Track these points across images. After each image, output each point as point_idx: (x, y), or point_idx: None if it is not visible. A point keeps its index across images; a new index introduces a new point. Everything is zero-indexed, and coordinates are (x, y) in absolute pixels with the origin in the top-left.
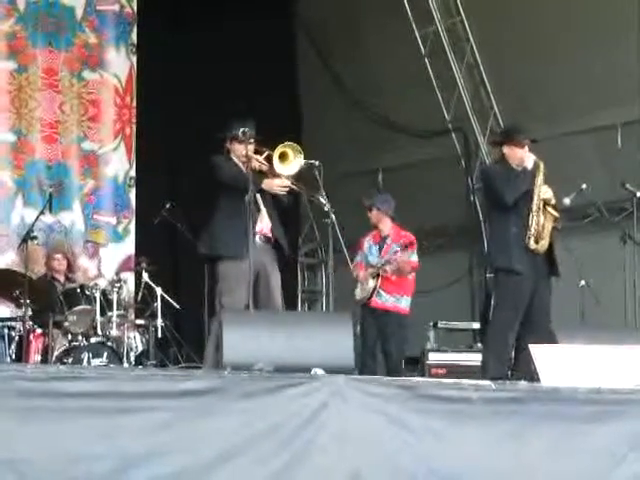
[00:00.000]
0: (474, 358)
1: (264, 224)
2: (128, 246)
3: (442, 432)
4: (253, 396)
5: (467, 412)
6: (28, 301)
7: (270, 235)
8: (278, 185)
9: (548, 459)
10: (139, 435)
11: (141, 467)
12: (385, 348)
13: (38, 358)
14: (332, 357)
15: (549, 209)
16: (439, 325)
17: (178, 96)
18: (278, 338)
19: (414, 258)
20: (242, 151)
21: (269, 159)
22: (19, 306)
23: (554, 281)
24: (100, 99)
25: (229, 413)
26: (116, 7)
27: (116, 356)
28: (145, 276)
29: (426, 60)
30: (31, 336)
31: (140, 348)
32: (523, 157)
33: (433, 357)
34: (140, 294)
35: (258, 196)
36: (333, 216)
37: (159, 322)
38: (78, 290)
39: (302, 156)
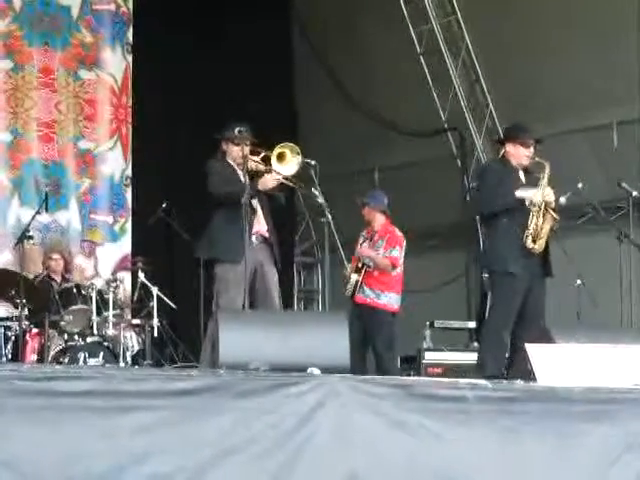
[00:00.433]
0: (470, 357)
1: (261, 225)
2: (124, 245)
3: (438, 431)
4: (249, 395)
5: (463, 411)
6: (24, 301)
7: (267, 235)
8: (272, 180)
9: (544, 458)
10: (136, 434)
11: (138, 466)
12: (372, 347)
13: (34, 358)
14: (328, 356)
15: (550, 211)
16: (435, 324)
17: (174, 95)
18: (274, 337)
19: (394, 254)
20: (238, 153)
21: (265, 160)
22: (15, 306)
23: (550, 280)
24: (96, 98)
25: (225, 412)
26: (112, 6)
27: (112, 356)
28: (141, 275)
29: (422, 59)
30: (27, 336)
31: (136, 348)
32: (526, 157)
33: (429, 356)
34: (136, 293)
35: (254, 200)
36: (329, 215)
37: (155, 322)
38: (74, 290)
39: (300, 156)
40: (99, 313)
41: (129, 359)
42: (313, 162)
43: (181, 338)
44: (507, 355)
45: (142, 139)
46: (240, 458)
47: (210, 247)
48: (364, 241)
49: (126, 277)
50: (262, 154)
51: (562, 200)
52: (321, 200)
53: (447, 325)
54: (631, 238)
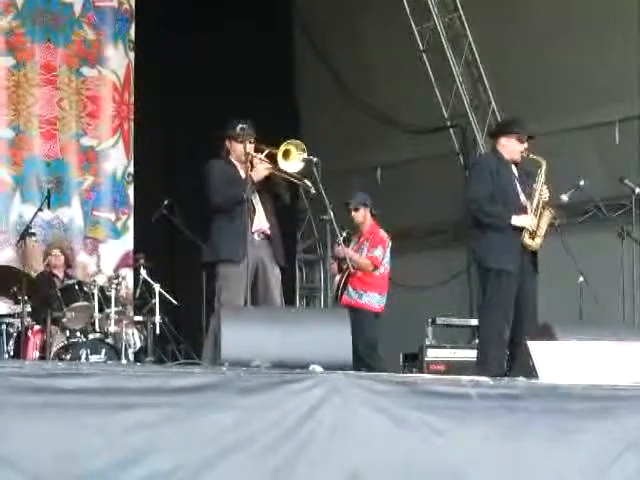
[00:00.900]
0: (472, 354)
1: (262, 222)
2: (127, 242)
3: (440, 428)
4: (251, 392)
5: (465, 408)
6: (26, 297)
7: (269, 232)
8: (264, 169)
9: (545, 455)
10: (137, 431)
11: (140, 463)
12: (354, 348)
13: (36, 354)
14: (330, 353)
15: (547, 209)
16: (437, 321)
17: (176, 93)
18: (276, 334)
19: (375, 254)
20: (242, 150)
21: (269, 157)
22: (17, 302)
23: (552, 278)
24: (98, 95)
25: (227, 409)
26: (114, 3)
27: (114, 352)
28: (143, 272)
29: (424, 56)
30: (29, 332)
31: (138, 344)
32: (520, 152)
33: (431, 353)
34: (138, 290)
35: (255, 196)
36: (331, 213)
37: (157, 318)
38: (76, 286)
39: (305, 153)
40: (101, 310)
41: (131, 356)
42: (315, 159)
43: (183, 335)
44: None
45: (144, 136)
46: (242, 455)
47: (213, 249)
48: (355, 244)
49: (128, 274)
50: (266, 151)
51: (564, 197)
52: (325, 200)
53: (449, 322)
54: (633, 235)
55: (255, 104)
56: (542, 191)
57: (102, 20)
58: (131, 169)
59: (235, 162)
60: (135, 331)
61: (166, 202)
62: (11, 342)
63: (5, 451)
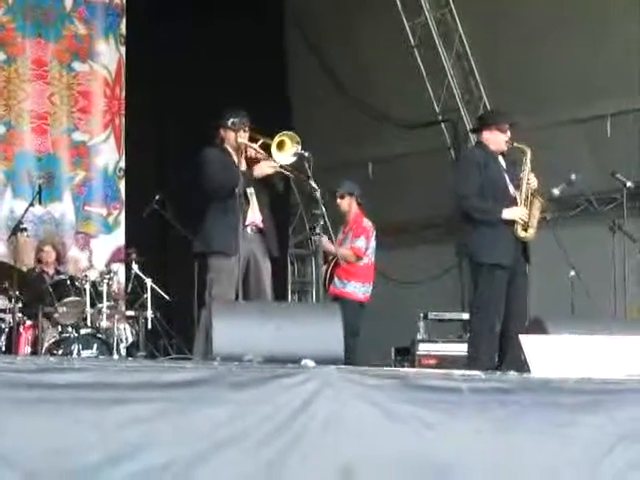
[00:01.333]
0: (464, 348)
1: (255, 216)
2: (118, 237)
3: (432, 422)
4: (243, 387)
5: (457, 402)
6: (18, 293)
7: (262, 226)
8: (268, 166)
9: (537, 449)
10: (130, 426)
11: (133, 458)
12: None
13: (28, 350)
14: (322, 348)
15: (537, 197)
16: (429, 316)
17: (167, 87)
18: (268, 329)
19: (357, 244)
20: (237, 139)
21: (263, 147)
22: (9, 298)
23: (543, 272)
24: (90, 90)
25: (219, 404)
26: None
27: (106, 347)
28: (135, 267)
29: (415, 51)
30: (21, 328)
31: (130, 339)
32: (505, 142)
33: (423, 347)
34: (130, 285)
35: (249, 189)
36: (323, 207)
37: (149, 313)
38: (68, 281)
39: (299, 146)
40: (93, 305)
41: (123, 351)
42: (307, 153)
43: (175, 330)
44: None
45: (136, 131)
46: (234, 450)
47: (204, 240)
48: (341, 233)
49: (120, 269)
50: (261, 141)
51: (555, 191)
52: (317, 193)
53: (441, 316)
54: (624, 229)
55: (247, 98)
56: (529, 179)
57: (93, 15)
58: (122, 164)
59: (230, 150)
60: (127, 326)
61: (157, 197)
62: (3, 337)
63: None
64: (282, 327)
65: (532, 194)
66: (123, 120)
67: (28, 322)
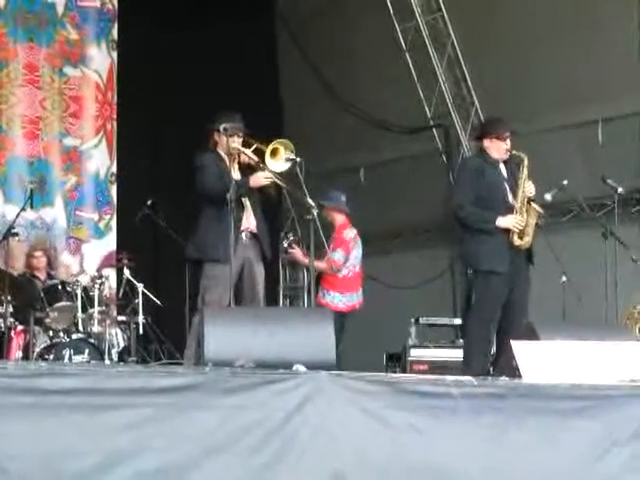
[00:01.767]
0: (456, 354)
1: (250, 222)
2: (110, 242)
3: (423, 428)
4: (235, 392)
5: (448, 408)
6: (9, 298)
7: (256, 232)
8: (264, 177)
9: (529, 455)
10: (122, 432)
11: (124, 464)
12: None
13: (19, 355)
14: (313, 353)
15: (533, 205)
16: (421, 321)
17: (159, 92)
18: (259, 334)
19: (334, 256)
20: (231, 144)
21: (256, 152)
22: (0, 302)
23: (535, 277)
24: (81, 95)
25: (211, 409)
26: (97, 3)
27: (98, 353)
28: (127, 272)
29: (407, 56)
30: (12, 333)
31: (122, 344)
32: (505, 150)
33: (415, 353)
34: (121, 290)
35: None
36: (315, 212)
37: (140, 318)
38: (59, 286)
39: (293, 154)
40: (84, 310)
41: (114, 356)
42: (298, 159)
43: (166, 335)
44: (493, 351)
45: (127, 136)
46: (226, 456)
47: (199, 247)
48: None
49: (111, 274)
50: (254, 146)
51: (547, 197)
52: (314, 210)
53: (432, 322)
54: (616, 235)
55: (239, 104)
56: (525, 187)
57: (85, 20)
58: (114, 169)
59: (223, 155)
60: (118, 331)
61: (149, 202)
62: None
63: None
64: (273, 332)
65: (528, 202)
66: (115, 125)
67: (19, 327)
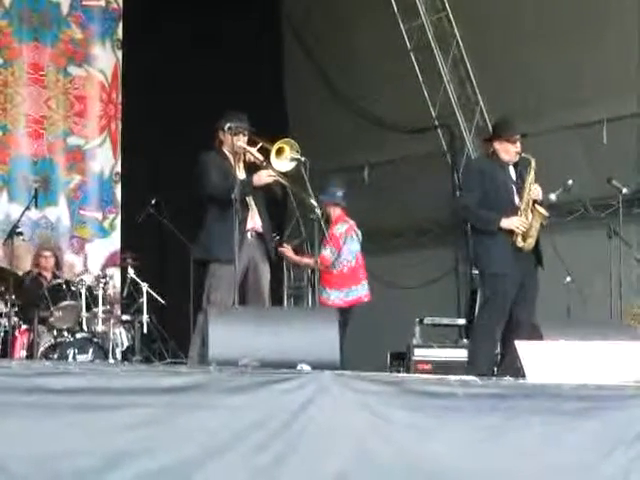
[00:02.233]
0: (460, 354)
1: (255, 221)
2: (114, 241)
3: (428, 428)
4: (239, 392)
5: (453, 408)
6: (13, 297)
7: (262, 231)
8: (267, 175)
9: (534, 455)
10: (125, 431)
11: (128, 464)
12: None
13: (24, 354)
14: (318, 353)
15: (538, 208)
16: (425, 321)
17: (163, 92)
18: (264, 334)
19: (323, 253)
20: (236, 143)
21: (261, 151)
22: (4, 302)
23: (540, 277)
24: (86, 94)
25: (215, 409)
26: (102, 2)
27: (102, 352)
28: (131, 272)
29: (412, 55)
30: (16, 332)
31: (126, 344)
32: (515, 153)
33: (419, 353)
34: (126, 290)
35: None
36: (319, 212)
37: (145, 318)
38: (63, 286)
39: (298, 154)
40: (88, 309)
41: (118, 355)
42: (303, 158)
43: (170, 334)
44: (498, 352)
45: (132, 135)
46: (230, 455)
47: (204, 247)
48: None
49: (115, 273)
50: (259, 145)
51: (552, 197)
52: (317, 210)
53: (437, 322)
54: (620, 235)
55: (243, 103)
56: (531, 189)
57: (89, 19)
58: (119, 168)
59: (228, 154)
60: (122, 330)
61: (153, 201)
62: None
63: None
64: (278, 332)
65: (534, 204)
66: (119, 124)
67: (24, 326)
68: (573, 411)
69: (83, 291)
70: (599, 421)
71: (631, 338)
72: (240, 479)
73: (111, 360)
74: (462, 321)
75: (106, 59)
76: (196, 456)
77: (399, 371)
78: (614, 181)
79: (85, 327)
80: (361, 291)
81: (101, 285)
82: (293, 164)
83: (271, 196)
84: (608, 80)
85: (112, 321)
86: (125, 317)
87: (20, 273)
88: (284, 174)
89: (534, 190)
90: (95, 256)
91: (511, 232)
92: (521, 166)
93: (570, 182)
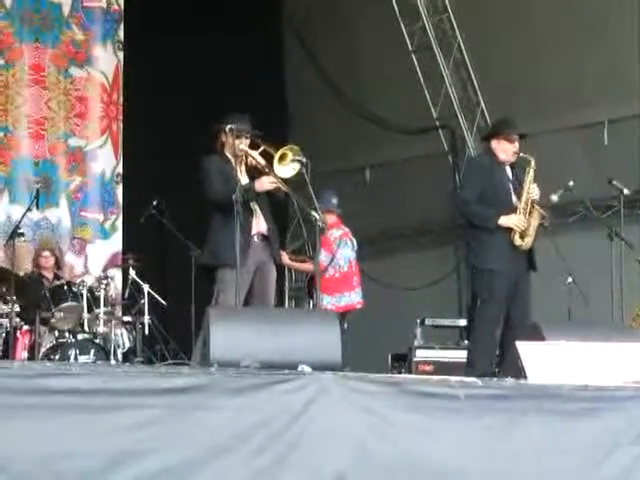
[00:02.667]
0: (461, 355)
1: (260, 225)
2: (115, 243)
3: (429, 429)
4: (240, 393)
5: (454, 409)
6: (15, 298)
7: (267, 234)
8: (269, 182)
9: (534, 456)
10: (127, 432)
11: (129, 465)
12: None
13: (25, 355)
14: (319, 354)
15: (537, 207)
16: (426, 322)
17: (165, 93)
18: (265, 335)
19: (320, 257)
20: (238, 145)
21: (263, 154)
22: (6, 303)
23: (541, 278)
24: (87, 96)
25: (216, 410)
26: (103, 4)
27: (103, 353)
28: (132, 273)
29: (413, 56)
30: (18, 333)
31: (127, 345)
32: (513, 153)
33: (420, 354)
34: (127, 291)
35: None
36: (319, 221)
37: (146, 319)
38: (65, 287)
39: (300, 163)
40: (90, 310)
41: (120, 356)
42: (305, 160)
43: (172, 335)
44: (497, 352)
45: (133, 136)
46: (232, 456)
47: (211, 253)
48: None
49: (117, 274)
50: (261, 148)
51: (553, 198)
52: (319, 223)
53: (438, 323)
54: (622, 236)
55: (245, 104)
56: (530, 189)
57: (91, 20)
58: (120, 169)
59: (230, 157)
60: (124, 331)
61: (155, 202)
62: None
63: None
64: (279, 333)
65: (532, 204)
66: (120, 125)
67: (25, 327)
68: (574, 412)
69: (84, 292)
70: (600, 422)
71: (632, 339)
72: None
73: (112, 361)
74: (463, 322)
75: (107, 60)
76: (198, 457)
77: (400, 372)
78: (615, 182)
79: (86, 328)
80: (354, 298)
81: (102, 286)
82: (296, 169)
83: (275, 198)
84: (609, 81)
85: (113, 322)
86: (126, 318)
87: (21, 274)
88: (286, 181)
89: (533, 190)
90: (96, 257)
91: (509, 230)
92: (518, 167)
93: (571, 183)
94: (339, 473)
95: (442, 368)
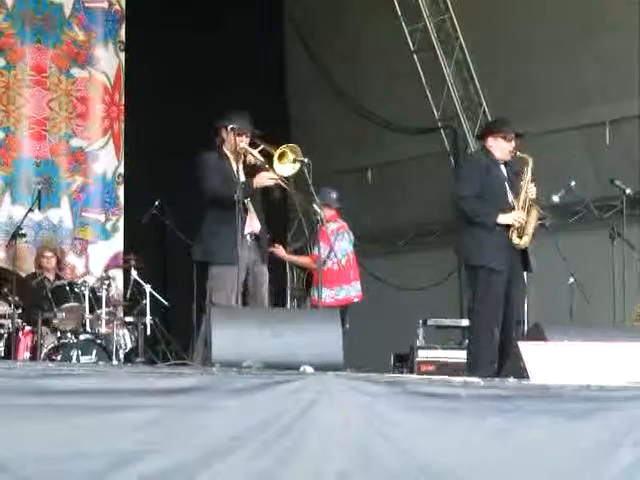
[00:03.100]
0: (463, 355)
1: (254, 225)
2: (117, 243)
3: (431, 429)
4: (242, 393)
5: (456, 409)
6: (17, 298)
7: (259, 235)
8: (268, 178)
9: (537, 456)
10: (129, 433)
11: (131, 465)
12: None
13: (27, 355)
14: (321, 354)
15: (534, 207)
16: (428, 322)
17: (166, 93)
18: (267, 335)
19: (314, 251)
20: (238, 143)
21: (262, 153)
22: (8, 303)
23: (543, 279)
24: (88, 96)
25: (218, 410)
26: (105, 4)
27: (105, 353)
28: (134, 273)
29: (415, 57)
30: (20, 333)
31: (129, 345)
32: (509, 151)
33: (422, 354)
34: (129, 291)
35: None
36: (322, 213)
37: (148, 319)
38: (67, 287)
39: (300, 161)
40: (92, 311)
41: (122, 357)
42: (306, 160)
43: (173, 335)
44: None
45: (134, 137)
46: (234, 456)
47: (205, 249)
48: None
49: (119, 275)
50: (261, 147)
51: (555, 198)
52: (319, 217)
53: (440, 323)
54: (623, 236)
55: (246, 104)
56: (528, 188)
57: (92, 21)
58: (121, 170)
59: (229, 154)
60: (126, 332)
61: (157, 203)
62: (1, 343)
63: None
64: (281, 333)
65: (530, 203)
66: (122, 126)
67: (27, 328)
68: (577, 412)
69: (86, 293)
70: (602, 422)
71: (634, 339)
72: None
73: (114, 362)
74: (466, 322)
75: (109, 61)
76: (200, 457)
77: (402, 372)
78: (617, 182)
79: (88, 328)
80: (352, 292)
81: (104, 287)
82: (296, 168)
83: (269, 199)
84: (611, 82)
85: (115, 322)
86: (128, 319)
87: (23, 275)
88: (285, 178)
89: (531, 189)
90: (97, 258)
91: (507, 229)
92: (512, 165)
93: (573, 183)
94: (341, 473)
95: (444, 368)
